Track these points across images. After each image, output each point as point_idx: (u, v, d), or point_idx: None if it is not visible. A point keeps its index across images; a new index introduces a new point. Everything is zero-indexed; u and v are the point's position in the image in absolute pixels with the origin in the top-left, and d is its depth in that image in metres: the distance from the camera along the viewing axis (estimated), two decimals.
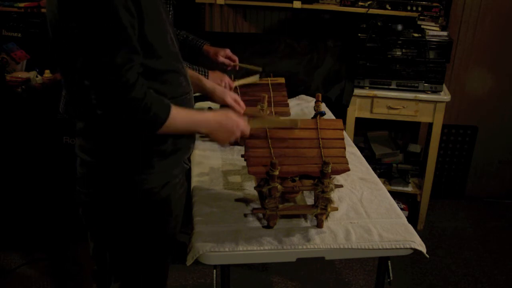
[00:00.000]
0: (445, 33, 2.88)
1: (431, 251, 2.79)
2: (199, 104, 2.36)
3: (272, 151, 1.59)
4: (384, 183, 3.00)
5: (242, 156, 1.61)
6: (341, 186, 1.69)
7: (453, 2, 3.15)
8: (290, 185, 1.53)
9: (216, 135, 1.52)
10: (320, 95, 2.04)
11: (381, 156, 3.32)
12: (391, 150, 3.36)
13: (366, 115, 2.99)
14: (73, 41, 1.27)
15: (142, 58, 1.31)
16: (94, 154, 1.44)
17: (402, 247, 1.52)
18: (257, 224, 1.58)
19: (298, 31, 3.35)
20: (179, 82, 1.47)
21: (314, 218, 1.58)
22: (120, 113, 1.29)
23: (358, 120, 3.02)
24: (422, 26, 2.93)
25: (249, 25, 3.41)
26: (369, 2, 2.98)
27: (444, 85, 2.95)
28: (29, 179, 2.82)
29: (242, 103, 1.96)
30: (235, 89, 2.35)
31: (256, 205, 1.66)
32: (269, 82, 2.47)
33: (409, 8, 2.97)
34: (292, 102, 2.60)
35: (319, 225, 1.57)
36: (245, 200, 1.71)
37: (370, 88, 2.94)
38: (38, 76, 2.91)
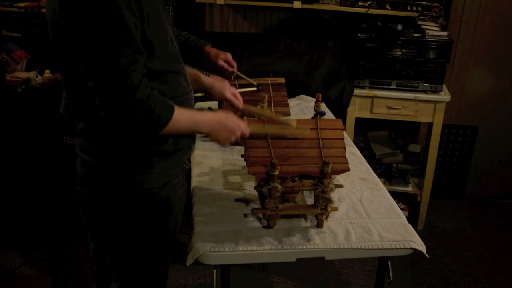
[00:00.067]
0: (445, 33, 2.88)
1: (431, 251, 2.79)
2: (199, 104, 2.37)
3: (272, 151, 1.59)
4: (384, 183, 3.00)
5: (242, 156, 1.61)
6: (341, 186, 1.70)
7: (453, 2, 3.14)
8: (290, 185, 1.53)
9: (216, 135, 1.52)
10: (320, 95, 2.03)
11: (381, 156, 3.32)
12: (391, 150, 3.36)
13: (366, 115, 2.99)
14: (75, 42, 1.26)
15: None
16: (94, 154, 1.44)
17: (402, 247, 1.52)
18: (257, 224, 1.58)
19: (298, 31, 3.35)
20: (179, 82, 1.47)
21: (314, 218, 1.58)
22: (124, 114, 1.28)
23: (358, 120, 3.01)
24: (422, 26, 2.93)
25: (249, 25, 3.41)
26: (369, 2, 2.98)
27: (444, 85, 2.95)
28: (29, 179, 2.82)
29: (240, 98, 1.96)
30: None
31: (256, 205, 1.66)
32: (269, 82, 2.46)
33: (409, 8, 2.97)
34: (292, 102, 2.60)
35: (319, 225, 1.57)
36: (245, 200, 1.71)
37: (370, 88, 2.94)
38: (38, 76, 2.91)
